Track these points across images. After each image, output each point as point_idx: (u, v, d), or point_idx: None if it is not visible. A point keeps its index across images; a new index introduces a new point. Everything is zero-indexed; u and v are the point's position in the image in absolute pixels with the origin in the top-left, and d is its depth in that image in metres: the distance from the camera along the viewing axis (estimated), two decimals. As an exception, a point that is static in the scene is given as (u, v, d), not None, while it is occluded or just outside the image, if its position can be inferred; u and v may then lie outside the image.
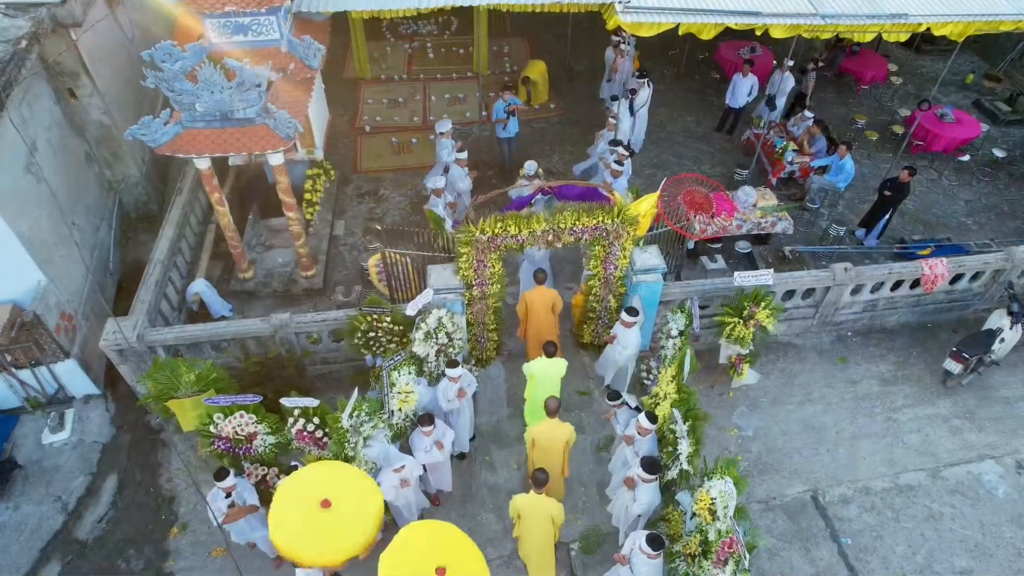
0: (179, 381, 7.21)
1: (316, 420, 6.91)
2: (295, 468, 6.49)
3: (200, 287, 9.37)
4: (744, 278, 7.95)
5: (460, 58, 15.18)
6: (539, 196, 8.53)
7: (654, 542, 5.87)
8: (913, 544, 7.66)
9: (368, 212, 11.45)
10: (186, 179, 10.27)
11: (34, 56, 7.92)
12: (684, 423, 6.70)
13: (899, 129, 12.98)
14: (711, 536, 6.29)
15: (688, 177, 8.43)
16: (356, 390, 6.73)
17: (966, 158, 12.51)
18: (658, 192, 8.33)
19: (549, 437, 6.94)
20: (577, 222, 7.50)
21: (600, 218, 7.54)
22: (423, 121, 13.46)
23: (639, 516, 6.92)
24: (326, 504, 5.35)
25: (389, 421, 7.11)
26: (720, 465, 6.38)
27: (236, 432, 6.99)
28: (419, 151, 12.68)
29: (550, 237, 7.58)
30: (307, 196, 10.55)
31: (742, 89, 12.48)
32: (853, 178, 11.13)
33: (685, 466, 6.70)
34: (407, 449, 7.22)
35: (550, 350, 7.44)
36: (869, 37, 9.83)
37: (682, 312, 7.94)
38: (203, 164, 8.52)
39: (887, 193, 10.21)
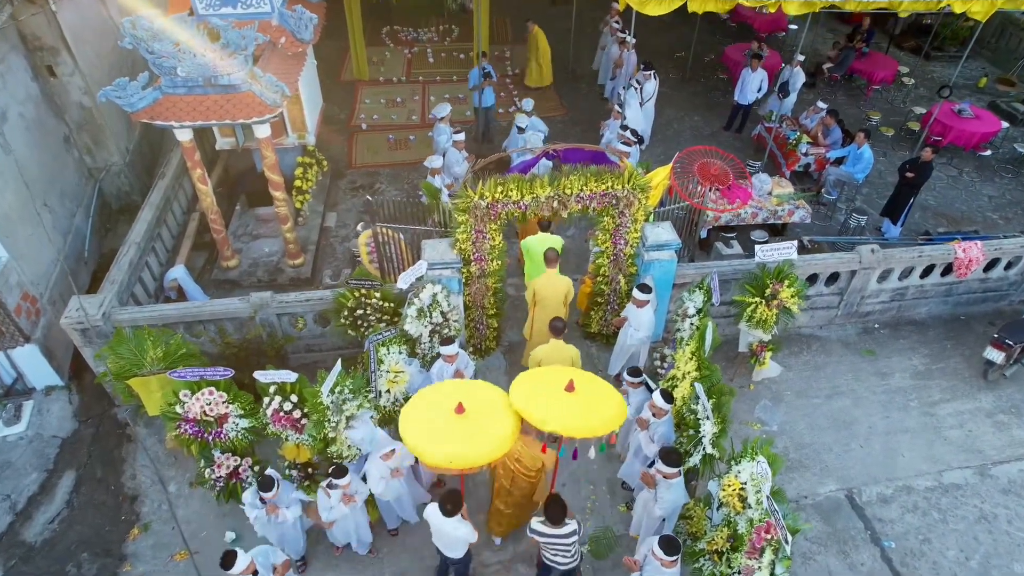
0: (144, 357, 6.49)
1: (294, 398, 6.15)
2: (271, 479, 5.67)
3: (179, 273, 8.72)
4: (767, 252, 7.30)
5: (460, 62, 14.88)
6: (543, 160, 7.95)
7: (669, 546, 5.07)
8: (966, 548, 6.80)
9: (362, 205, 10.89)
10: (170, 164, 9.76)
11: (5, 15, 7.46)
12: (708, 399, 5.94)
13: (915, 125, 12.52)
14: (741, 528, 5.48)
15: (703, 150, 7.86)
16: (339, 362, 6.00)
17: (987, 153, 11.99)
18: (671, 164, 7.79)
19: (550, 289, 7.13)
20: (585, 187, 6.89)
21: (610, 183, 6.93)
22: (422, 120, 13.03)
23: (663, 520, 6.10)
24: (460, 410, 5.16)
25: (376, 402, 6.37)
26: (751, 446, 5.60)
27: (205, 412, 6.24)
28: (416, 147, 12.20)
29: (555, 204, 6.96)
30: (297, 183, 9.99)
31: (751, 85, 12.06)
32: (871, 170, 10.60)
33: (709, 450, 5.92)
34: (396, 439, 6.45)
35: (545, 225, 7.71)
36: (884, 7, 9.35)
37: (700, 289, 7.25)
38: (184, 136, 7.97)
39: (909, 174, 9.62)
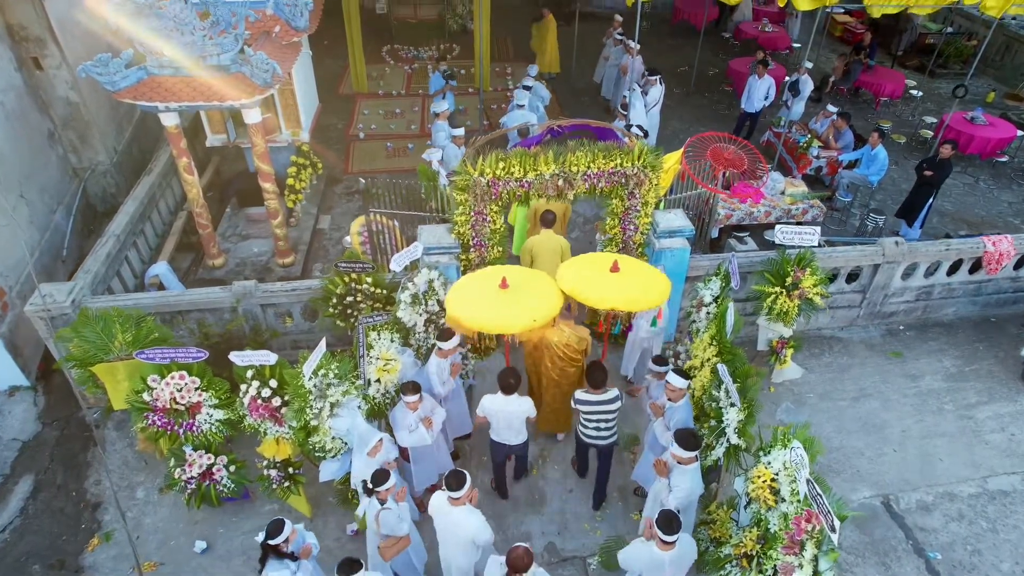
0: (111, 342, 5.93)
1: (274, 383, 5.57)
2: (280, 520, 4.71)
3: (161, 269, 8.23)
4: (787, 234, 6.79)
5: (462, 78, 14.70)
6: (548, 136, 7.55)
7: (668, 524, 4.46)
8: (1021, 560, 6.10)
9: (358, 210, 10.46)
10: (158, 160, 9.39)
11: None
12: (733, 383, 5.35)
13: (927, 133, 12.21)
14: (774, 525, 4.82)
15: (715, 135, 7.48)
16: (323, 341, 5.44)
17: (1004, 159, 11.63)
18: (682, 150, 7.39)
19: (546, 245, 7.27)
20: (592, 164, 6.46)
21: (619, 160, 6.50)
22: (421, 129, 12.74)
23: (678, 511, 5.43)
24: (504, 284, 5.54)
25: (364, 390, 5.78)
26: (782, 433, 4.99)
27: (175, 400, 5.66)
28: (414, 156, 11.84)
29: (560, 182, 6.51)
30: (290, 182, 9.60)
31: (758, 92, 11.80)
32: (885, 173, 10.21)
33: (735, 440, 5.31)
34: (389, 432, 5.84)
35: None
36: (893, 10, 9.12)
37: (717, 276, 6.72)
38: (170, 120, 7.59)
39: (927, 172, 9.20)
